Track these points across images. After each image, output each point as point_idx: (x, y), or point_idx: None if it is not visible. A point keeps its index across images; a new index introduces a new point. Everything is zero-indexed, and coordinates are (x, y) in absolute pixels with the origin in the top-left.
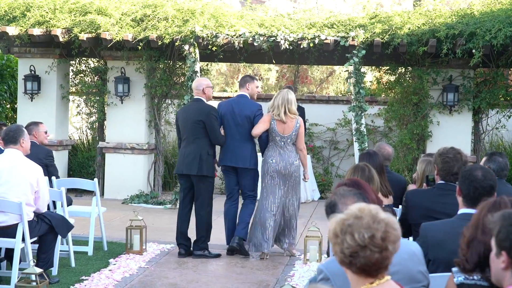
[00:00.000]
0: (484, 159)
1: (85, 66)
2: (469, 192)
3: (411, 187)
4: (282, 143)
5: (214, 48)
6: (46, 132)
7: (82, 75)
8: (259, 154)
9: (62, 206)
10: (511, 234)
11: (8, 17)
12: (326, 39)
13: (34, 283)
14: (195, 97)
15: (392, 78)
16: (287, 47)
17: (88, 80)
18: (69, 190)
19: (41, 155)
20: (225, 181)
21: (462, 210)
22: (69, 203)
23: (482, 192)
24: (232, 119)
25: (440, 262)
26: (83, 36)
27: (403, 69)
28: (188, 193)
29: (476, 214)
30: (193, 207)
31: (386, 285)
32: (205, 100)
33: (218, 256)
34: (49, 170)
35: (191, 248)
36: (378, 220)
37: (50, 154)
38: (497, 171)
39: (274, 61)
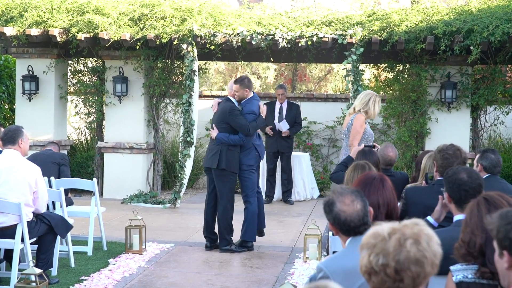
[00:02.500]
0: (477, 156)
1: (83, 66)
2: (460, 196)
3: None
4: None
5: (212, 47)
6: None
7: (80, 75)
8: None
9: (61, 207)
10: (509, 233)
11: (6, 18)
12: (324, 37)
13: (34, 284)
14: (227, 96)
15: (390, 75)
16: (285, 46)
17: (86, 80)
18: (68, 190)
19: (57, 155)
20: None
21: (457, 217)
22: (70, 204)
23: (472, 193)
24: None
25: (442, 272)
26: (81, 36)
27: (401, 66)
28: (214, 188)
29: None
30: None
31: None
32: (234, 101)
33: (244, 250)
34: (62, 169)
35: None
36: (403, 249)
37: (66, 157)
38: (489, 168)
39: (272, 60)
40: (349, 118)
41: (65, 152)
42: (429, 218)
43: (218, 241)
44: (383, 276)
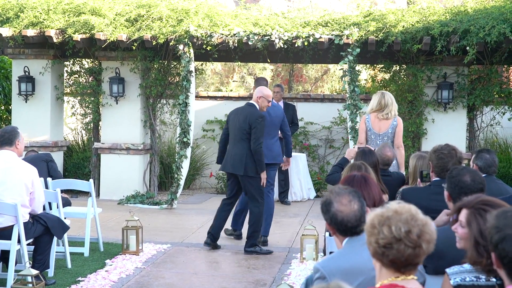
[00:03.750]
0: (473, 157)
1: (80, 67)
2: (461, 199)
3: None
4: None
5: (208, 48)
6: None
7: (76, 75)
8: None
9: (57, 207)
10: (493, 237)
11: (2, 18)
12: (320, 37)
13: (30, 285)
14: (250, 101)
15: (387, 76)
16: (282, 46)
17: (83, 80)
18: (65, 191)
19: (42, 155)
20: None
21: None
22: (67, 204)
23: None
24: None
25: (440, 272)
26: (77, 37)
27: (398, 67)
28: (236, 193)
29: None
30: (233, 206)
31: (411, 282)
32: (257, 107)
33: (270, 252)
34: (50, 165)
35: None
36: (416, 218)
37: (50, 154)
38: (483, 168)
39: (268, 60)
40: (389, 122)
41: (61, 153)
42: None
43: (216, 241)
44: (406, 242)
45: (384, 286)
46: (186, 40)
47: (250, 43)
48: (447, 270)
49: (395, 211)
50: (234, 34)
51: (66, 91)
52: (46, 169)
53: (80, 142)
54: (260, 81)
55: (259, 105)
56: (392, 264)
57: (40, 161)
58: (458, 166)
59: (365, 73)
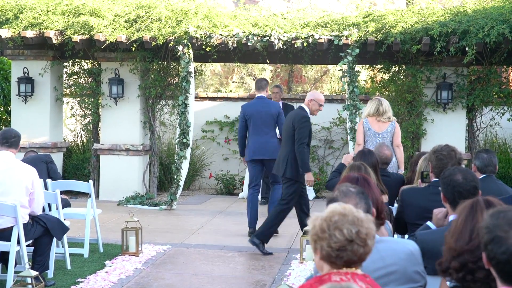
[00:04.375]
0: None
1: (79, 68)
2: (455, 197)
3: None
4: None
5: (208, 49)
6: None
7: (76, 77)
8: None
9: (57, 209)
10: (484, 235)
11: (1, 20)
12: (319, 38)
13: (30, 286)
14: (301, 105)
15: (386, 76)
16: (281, 47)
17: (82, 81)
18: (64, 192)
19: (42, 156)
20: (250, 171)
21: (452, 216)
22: (67, 205)
23: (466, 195)
24: (259, 118)
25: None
26: (77, 38)
27: (397, 67)
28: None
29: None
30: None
31: (352, 273)
32: (308, 110)
33: (270, 254)
34: (49, 166)
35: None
36: (359, 217)
37: (49, 155)
38: (481, 168)
39: (268, 61)
40: (386, 125)
41: (60, 154)
42: (429, 223)
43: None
44: (358, 242)
45: (328, 273)
46: (186, 41)
47: (249, 44)
48: None
49: (340, 214)
50: (234, 35)
51: (65, 92)
52: (45, 170)
53: (79, 143)
54: (260, 82)
55: (310, 108)
56: (346, 264)
57: (40, 162)
58: (450, 168)
59: (364, 73)
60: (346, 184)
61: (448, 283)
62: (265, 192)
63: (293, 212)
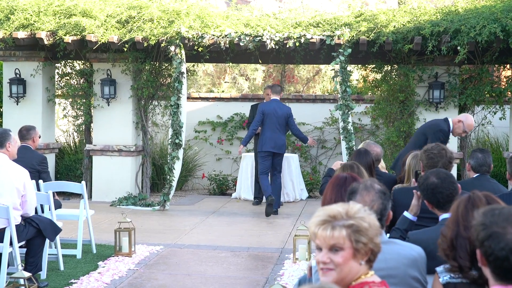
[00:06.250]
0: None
1: (71, 69)
2: (438, 200)
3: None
4: None
5: (200, 49)
6: (40, 137)
7: (67, 77)
8: None
9: (49, 210)
10: (479, 234)
11: None
12: (312, 38)
13: (23, 287)
14: (447, 118)
15: (378, 76)
16: (273, 47)
17: (74, 82)
18: (57, 194)
19: (35, 161)
20: (264, 162)
21: (443, 216)
22: (58, 207)
23: (448, 193)
24: (274, 117)
25: (433, 271)
26: (68, 39)
27: (389, 67)
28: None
29: (453, 212)
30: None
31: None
32: (451, 126)
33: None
34: (42, 177)
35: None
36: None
37: (44, 160)
38: (475, 167)
39: (260, 61)
40: None
41: (53, 155)
42: (406, 213)
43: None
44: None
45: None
46: (178, 41)
47: (241, 44)
48: (437, 268)
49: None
50: (226, 35)
51: (57, 93)
52: (37, 179)
53: (72, 144)
54: (276, 87)
55: (454, 126)
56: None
57: (32, 171)
58: (422, 175)
59: (356, 73)
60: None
61: (440, 279)
62: (258, 193)
63: (285, 212)
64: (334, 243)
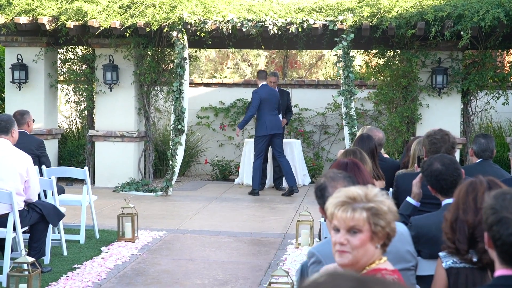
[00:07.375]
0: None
1: (73, 54)
2: (441, 186)
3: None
4: None
5: (202, 35)
6: (33, 121)
7: (70, 63)
8: None
9: (52, 195)
10: (488, 218)
11: None
12: (314, 23)
13: (26, 272)
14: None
15: (381, 61)
16: (276, 32)
17: (76, 68)
18: (60, 179)
19: (33, 145)
20: (259, 145)
21: (446, 201)
22: (62, 192)
23: (452, 180)
24: (271, 101)
25: (435, 256)
26: (70, 24)
27: (392, 52)
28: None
29: (455, 196)
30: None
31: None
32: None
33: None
34: (41, 161)
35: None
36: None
37: (42, 144)
38: (478, 153)
39: (262, 47)
40: None
41: (55, 141)
42: (409, 199)
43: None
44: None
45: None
46: (180, 26)
47: (244, 29)
48: (440, 253)
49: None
50: (228, 21)
51: (59, 79)
52: (37, 158)
53: (74, 130)
54: (262, 73)
55: None
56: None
57: (32, 155)
58: (425, 160)
59: (359, 58)
60: (333, 170)
61: (443, 264)
62: (277, 174)
63: (288, 198)
64: (353, 225)
